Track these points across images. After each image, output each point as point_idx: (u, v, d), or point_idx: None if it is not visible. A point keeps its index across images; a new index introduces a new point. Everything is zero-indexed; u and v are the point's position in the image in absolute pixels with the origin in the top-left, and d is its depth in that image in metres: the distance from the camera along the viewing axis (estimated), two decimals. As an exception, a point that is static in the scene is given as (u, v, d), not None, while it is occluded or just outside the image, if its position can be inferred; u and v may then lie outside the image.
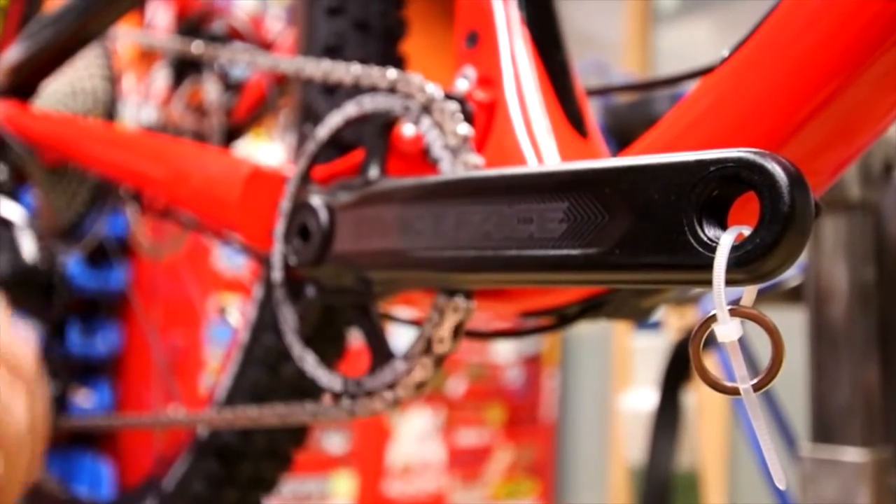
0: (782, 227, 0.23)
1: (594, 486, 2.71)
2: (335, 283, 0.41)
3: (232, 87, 0.83)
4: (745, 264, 0.23)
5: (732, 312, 0.24)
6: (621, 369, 2.48)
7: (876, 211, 0.76)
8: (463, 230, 0.32)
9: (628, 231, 0.26)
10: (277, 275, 0.46)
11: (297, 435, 0.59)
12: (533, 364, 2.73)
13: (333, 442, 2.22)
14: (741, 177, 0.24)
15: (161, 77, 0.87)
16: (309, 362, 0.44)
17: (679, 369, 0.94)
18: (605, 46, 2.61)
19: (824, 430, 0.73)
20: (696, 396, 1.01)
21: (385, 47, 0.54)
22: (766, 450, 0.23)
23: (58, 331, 0.81)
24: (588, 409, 2.77)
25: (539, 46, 0.44)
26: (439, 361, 0.38)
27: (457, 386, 2.53)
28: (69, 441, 2.17)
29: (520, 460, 2.69)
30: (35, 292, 0.79)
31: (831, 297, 0.73)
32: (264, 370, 0.55)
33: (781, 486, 0.22)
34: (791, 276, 0.80)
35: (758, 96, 0.30)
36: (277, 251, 0.46)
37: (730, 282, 0.24)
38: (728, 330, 0.23)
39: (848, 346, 0.73)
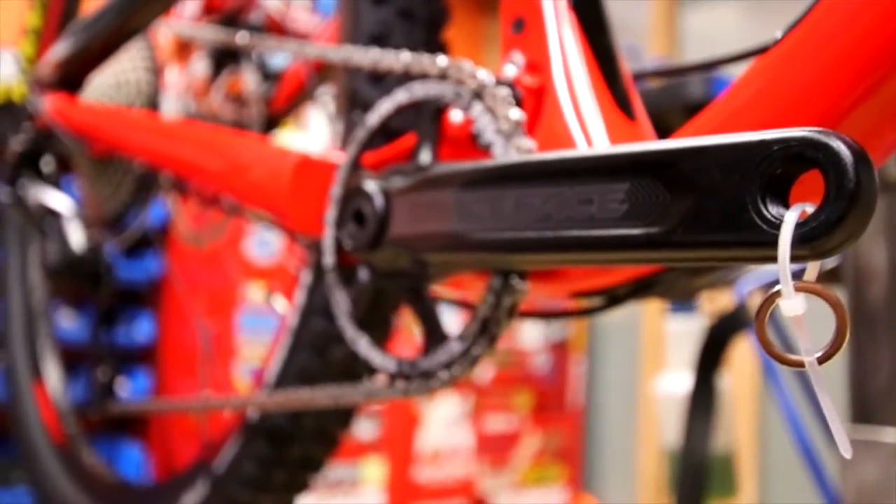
0: (848, 203, 0.23)
1: (621, 472, 2.72)
2: (389, 266, 0.42)
3: (270, 76, 0.85)
4: (809, 241, 0.24)
5: (797, 288, 0.24)
6: (653, 353, 2.48)
7: (916, 192, 0.75)
8: (523, 212, 0.32)
9: (691, 210, 0.27)
10: (329, 259, 0.47)
11: (345, 417, 0.61)
12: (560, 350, 2.73)
13: (364, 428, 2.24)
14: (805, 155, 0.24)
15: (200, 68, 0.88)
16: (363, 344, 0.45)
17: (714, 352, 0.95)
18: (632, 30, 2.59)
19: (864, 412, 0.73)
20: (728, 380, 1.01)
21: (429, 35, 0.55)
22: (831, 420, 0.24)
23: (105, 319, 0.83)
24: (615, 395, 2.77)
25: (585, 31, 0.44)
26: (494, 341, 0.39)
27: (485, 372, 2.54)
28: (112, 428, 2.22)
29: (547, 446, 2.70)
30: (82, 280, 0.80)
31: (871, 278, 0.73)
32: (313, 354, 0.56)
33: (847, 455, 0.23)
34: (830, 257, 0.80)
35: (813, 76, 0.30)
36: (329, 236, 0.47)
37: (794, 258, 0.24)
38: (794, 305, 0.24)
39: (887, 328, 0.73)
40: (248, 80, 0.84)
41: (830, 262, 0.82)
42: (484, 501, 2.54)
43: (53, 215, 0.79)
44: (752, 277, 0.90)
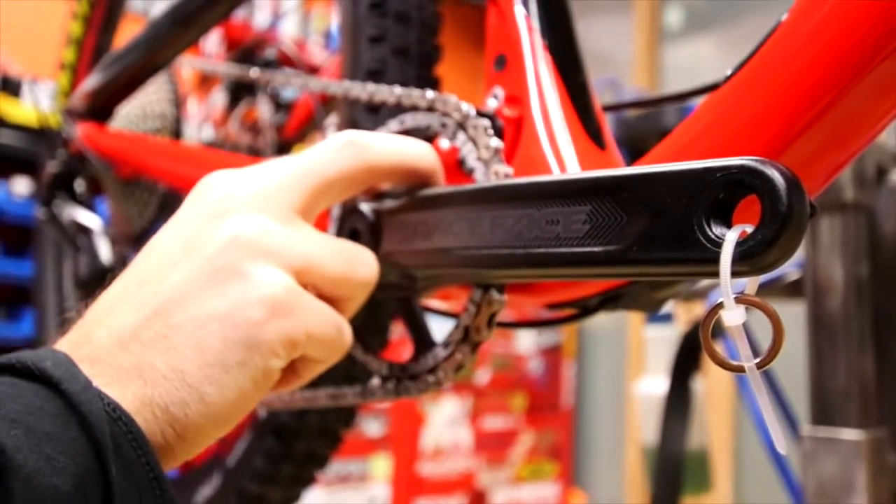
0: (781, 225, 0.24)
1: (609, 467, 2.71)
2: (381, 279, 0.42)
3: (282, 106, 0.86)
4: (748, 258, 0.25)
5: (737, 300, 0.25)
6: (636, 358, 2.47)
7: (869, 211, 0.76)
8: (497, 231, 0.33)
9: (644, 230, 0.27)
10: (329, 273, 0.48)
11: (347, 416, 0.61)
12: (553, 355, 2.73)
13: (372, 427, 2.24)
14: (744, 181, 0.25)
15: (219, 99, 0.89)
16: (358, 350, 0.45)
17: (689, 357, 0.95)
18: (615, 64, 2.61)
19: (823, 413, 0.74)
20: (704, 383, 1.01)
21: (422, 71, 0.56)
22: (768, 420, 0.24)
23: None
24: (603, 396, 2.77)
25: (560, 69, 0.45)
26: (475, 348, 0.39)
27: (483, 376, 2.54)
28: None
29: (541, 444, 2.70)
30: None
31: (829, 290, 0.73)
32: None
33: (783, 452, 0.23)
34: (791, 271, 0.80)
35: (758, 110, 0.31)
36: (329, 252, 0.48)
37: (735, 273, 0.25)
38: (734, 315, 0.24)
39: (845, 336, 0.73)
40: (262, 110, 0.85)
41: (792, 276, 0.82)
42: (482, 495, 2.53)
43: (85, 232, 0.80)
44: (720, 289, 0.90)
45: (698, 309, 1.06)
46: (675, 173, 0.27)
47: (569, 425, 2.78)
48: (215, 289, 0.31)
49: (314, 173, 0.36)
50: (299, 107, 0.85)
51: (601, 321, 2.83)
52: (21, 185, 2.01)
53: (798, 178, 0.24)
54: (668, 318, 1.01)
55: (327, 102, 0.79)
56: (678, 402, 0.95)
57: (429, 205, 0.37)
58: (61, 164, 0.81)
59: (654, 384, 1.03)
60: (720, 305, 0.25)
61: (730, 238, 0.25)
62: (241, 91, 0.88)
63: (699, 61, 2.45)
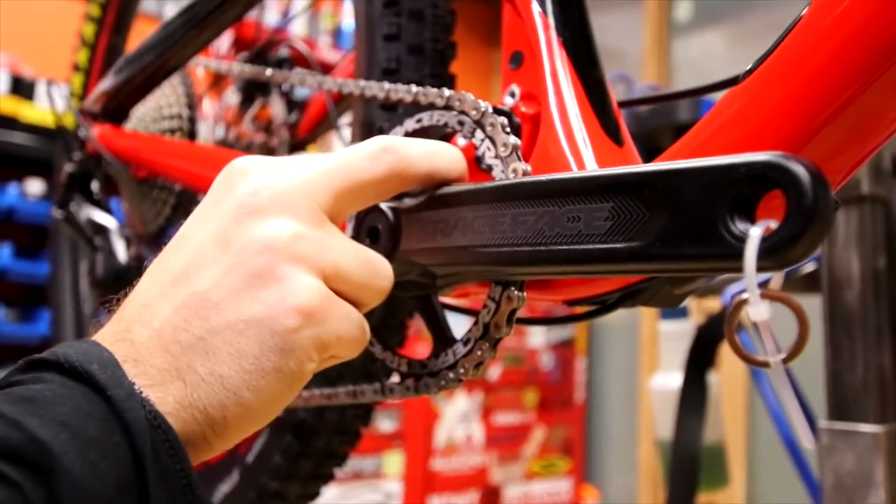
0: (806, 220, 0.24)
1: (621, 463, 2.71)
2: (401, 277, 0.43)
3: (296, 105, 0.86)
4: (772, 253, 0.25)
5: (763, 295, 0.25)
6: (651, 353, 2.47)
7: (886, 204, 0.75)
8: (518, 229, 0.33)
9: (667, 227, 0.27)
10: (348, 271, 0.48)
11: (364, 413, 0.61)
12: (565, 350, 2.73)
13: (385, 423, 2.25)
14: (768, 177, 0.25)
15: (232, 99, 0.90)
16: (377, 347, 0.45)
17: (704, 351, 0.94)
18: (625, 59, 2.60)
19: (841, 407, 0.73)
20: (719, 378, 1.00)
21: (437, 69, 0.56)
22: (793, 415, 0.24)
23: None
24: (615, 392, 2.77)
25: (576, 65, 0.45)
26: (495, 345, 0.39)
27: (494, 371, 2.54)
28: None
29: (553, 439, 2.70)
30: (126, 290, 0.82)
31: (845, 284, 0.73)
32: (335, 356, 0.57)
33: (809, 447, 0.23)
34: (807, 264, 0.80)
35: (779, 105, 0.31)
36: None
37: (760, 269, 0.25)
38: (759, 311, 0.25)
39: (862, 330, 0.72)
40: (276, 109, 0.85)
41: (808, 269, 0.82)
42: (495, 491, 2.53)
43: (101, 232, 0.80)
44: (738, 284, 0.90)
45: (714, 304, 1.06)
46: (698, 169, 0.27)
47: (581, 421, 2.77)
48: (251, 293, 0.32)
49: (349, 177, 0.36)
50: (312, 105, 0.85)
51: (614, 316, 2.81)
52: (35, 186, 2.02)
53: (822, 173, 0.24)
54: (682, 312, 1.01)
55: (340, 101, 0.79)
56: (693, 396, 0.95)
57: (449, 203, 0.38)
58: (77, 164, 0.82)
59: (669, 378, 1.03)
60: (745, 301, 0.25)
61: (754, 234, 0.25)
62: (254, 90, 0.89)
63: (709, 55, 2.44)
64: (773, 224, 0.25)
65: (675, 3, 2.64)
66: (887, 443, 0.69)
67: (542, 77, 0.44)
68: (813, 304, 0.75)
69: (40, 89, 2.05)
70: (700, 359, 0.95)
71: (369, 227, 0.43)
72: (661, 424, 1.03)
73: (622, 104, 0.48)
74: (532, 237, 0.32)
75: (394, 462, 2.27)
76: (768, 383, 0.87)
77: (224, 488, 0.66)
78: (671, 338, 1.01)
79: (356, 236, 0.45)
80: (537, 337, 2.65)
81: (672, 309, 1.06)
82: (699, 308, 1.06)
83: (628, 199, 0.29)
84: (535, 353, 2.66)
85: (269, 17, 1.31)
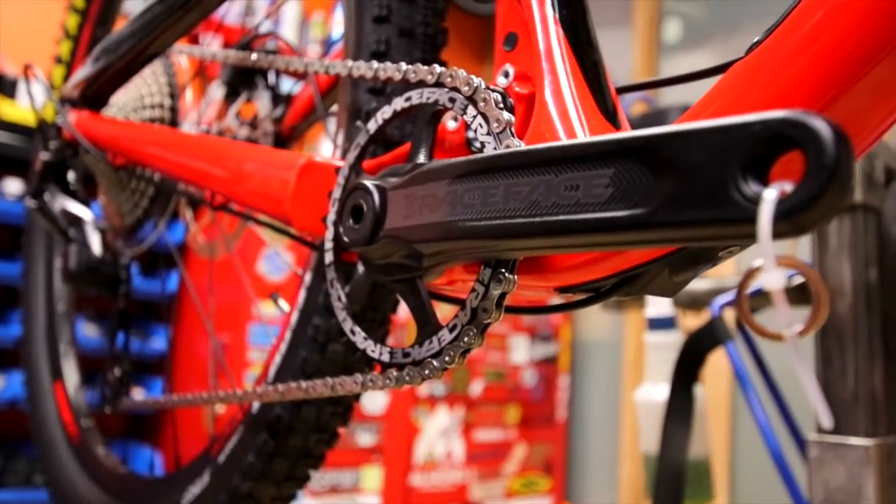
0: (826, 179, 0.22)
1: (602, 482, 2.68)
2: (385, 260, 0.40)
3: (281, 99, 0.84)
4: (788, 216, 0.23)
5: (779, 262, 0.23)
6: (634, 371, 2.45)
7: (878, 214, 0.74)
8: (512, 200, 0.31)
9: (673, 191, 0.25)
10: (329, 257, 0.46)
11: (343, 412, 0.59)
12: (547, 367, 2.71)
13: (364, 437, 2.21)
14: (786, 134, 0.23)
15: (217, 92, 0.87)
16: (359, 336, 0.43)
17: (691, 363, 0.93)
18: (615, 77, 2.61)
19: (832, 420, 0.71)
20: (701, 391, 0.99)
21: (427, 54, 0.54)
22: (812, 392, 0.22)
23: (121, 322, 0.81)
24: (597, 410, 2.75)
25: (573, 45, 0.43)
26: (483, 331, 0.37)
27: (476, 387, 2.52)
28: (126, 432, 2.18)
29: (534, 457, 2.67)
30: (101, 284, 0.79)
31: (837, 294, 0.71)
32: (313, 349, 0.54)
33: (828, 425, 0.21)
34: (797, 274, 0.78)
35: (793, 72, 0.29)
36: (330, 234, 0.46)
37: (775, 234, 0.23)
38: (774, 278, 0.23)
39: (853, 341, 0.71)
40: (261, 103, 0.83)
41: (798, 279, 0.80)
42: (474, 508, 2.49)
43: (76, 223, 0.78)
44: (726, 295, 0.88)
45: (700, 316, 1.05)
46: (708, 129, 0.25)
47: (563, 439, 2.74)
48: None
49: None
50: (298, 99, 0.83)
51: (597, 334, 2.81)
52: (13, 186, 1.98)
53: (845, 132, 0.23)
54: (669, 323, 0.99)
55: (327, 94, 0.77)
56: (680, 408, 0.93)
57: (438, 176, 0.35)
58: (53, 152, 0.79)
59: (655, 391, 1.01)
60: (758, 269, 0.23)
61: (769, 194, 0.23)
62: (239, 84, 0.86)
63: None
64: (789, 186, 0.23)
65: (663, 25, 2.66)
66: (878, 456, 0.67)
67: (537, 57, 0.43)
68: (803, 316, 0.73)
69: (21, 87, 2.01)
70: (687, 371, 0.93)
71: (353, 206, 0.41)
72: (646, 437, 1.00)
73: (620, 90, 0.46)
74: (526, 208, 0.30)
75: (372, 476, 2.22)
76: (755, 394, 0.86)
77: (194, 490, 0.63)
78: (658, 349, 0.99)
79: (339, 217, 0.43)
80: (520, 353, 2.63)
81: (659, 320, 1.04)
82: (687, 319, 1.04)
83: (631, 165, 0.27)
84: (518, 369, 2.63)
85: (258, 24, 1.29)
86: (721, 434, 2.16)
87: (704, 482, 0.96)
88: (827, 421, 0.21)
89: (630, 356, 2.51)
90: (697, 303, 1.01)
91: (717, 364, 1.09)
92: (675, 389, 0.92)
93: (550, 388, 2.71)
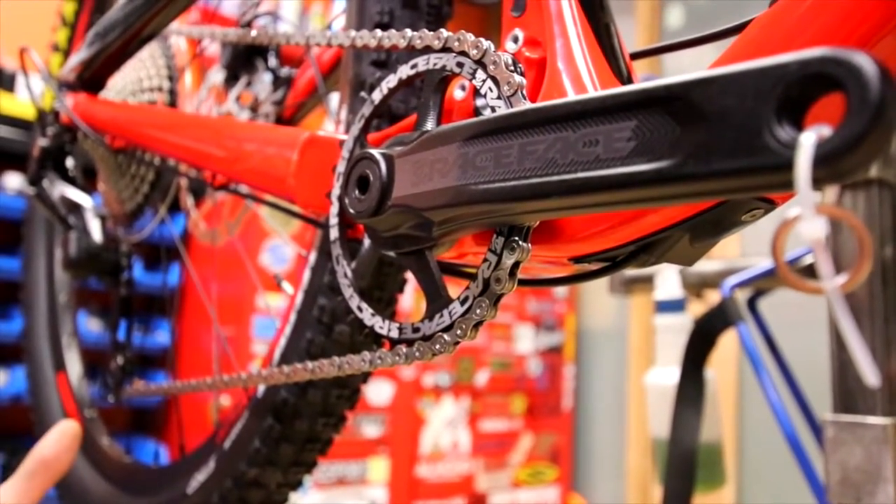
0: (870, 119, 0.20)
1: (609, 471, 2.67)
2: (393, 231, 0.39)
3: (282, 82, 0.82)
4: (827, 161, 0.21)
5: (819, 210, 0.21)
6: (640, 359, 2.44)
7: (893, 190, 0.73)
8: (527, 159, 0.29)
9: (701, 141, 0.24)
10: (334, 233, 0.44)
11: (350, 395, 0.57)
12: (553, 356, 2.70)
13: (371, 428, 2.20)
14: (825, 72, 0.21)
15: (216, 76, 0.86)
16: (366, 313, 0.42)
17: (701, 346, 0.91)
18: (617, 63, 2.58)
19: (847, 400, 0.70)
20: (712, 373, 0.97)
21: (431, 25, 0.53)
22: (855, 346, 0.20)
23: (123, 311, 0.79)
24: (604, 399, 2.73)
25: (584, 8, 0.42)
26: (496, 302, 0.35)
27: (482, 377, 2.51)
28: (131, 426, 2.17)
29: (540, 447, 2.66)
30: (101, 272, 0.77)
31: (852, 271, 0.69)
32: (319, 330, 0.53)
33: (874, 382, 0.20)
34: (809, 253, 0.77)
35: (828, 17, 0.27)
36: (335, 209, 0.44)
37: (814, 181, 0.21)
38: (814, 227, 0.21)
39: (869, 320, 0.69)
40: (262, 86, 0.81)
41: (810, 258, 0.78)
42: (481, 498, 2.48)
43: (75, 209, 0.76)
44: (736, 277, 0.87)
45: (711, 297, 1.03)
46: (739, 73, 0.23)
47: (569, 428, 2.73)
48: None
49: None
50: (299, 82, 0.81)
51: (603, 322, 2.79)
52: (13, 180, 1.97)
53: (889, 68, 0.21)
54: (679, 305, 0.98)
55: (329, 75, 0.75)
56: (691, 391, 0.92)
57: (447, 139, 0.34)
58: (52, 138, 0.77)
59: (665, 374, 0.99)
60: (796, 218, 0.21)
61: (808, 136, 0.21)
62: (239, 68, 0.85)
63: (700, 61, 2.43)
64: (827, 130, 0.21)
65: (666, 10, 2.63)
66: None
67: (547, 21, 0.41)
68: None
69: (20, 80, 2.00)
70: (698, 353, 0.92)
71: (358, 177, 0.40)
72: (656, 422, 0.99)
73: (635, 55, 0.45)
74: (542, 167, 0.29)
75: (379, 468, 2.21)
76: (768, 376, 0.84)
77: (200, 477, 0.62)
78: (668, 332, 0.98)
79: (344, 189, 0.42)
80: (525, 343, 2.62)
81: (667, 302, 1.03)
82: (697, 301, 1.03)
83: (655, 115, 0.25)
84: (523, 359, 2.62)
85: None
86: (728, 419, 2.14)
87: (716, 466, 0.95)
88: (873, 378, 0.19)
89: (635, 344, 2.50)
90: (707, 285, 0.99)
91: (723, 348, 1.07)
92: (686, 372, 0.91)
93: (556, 378, 2.70)
